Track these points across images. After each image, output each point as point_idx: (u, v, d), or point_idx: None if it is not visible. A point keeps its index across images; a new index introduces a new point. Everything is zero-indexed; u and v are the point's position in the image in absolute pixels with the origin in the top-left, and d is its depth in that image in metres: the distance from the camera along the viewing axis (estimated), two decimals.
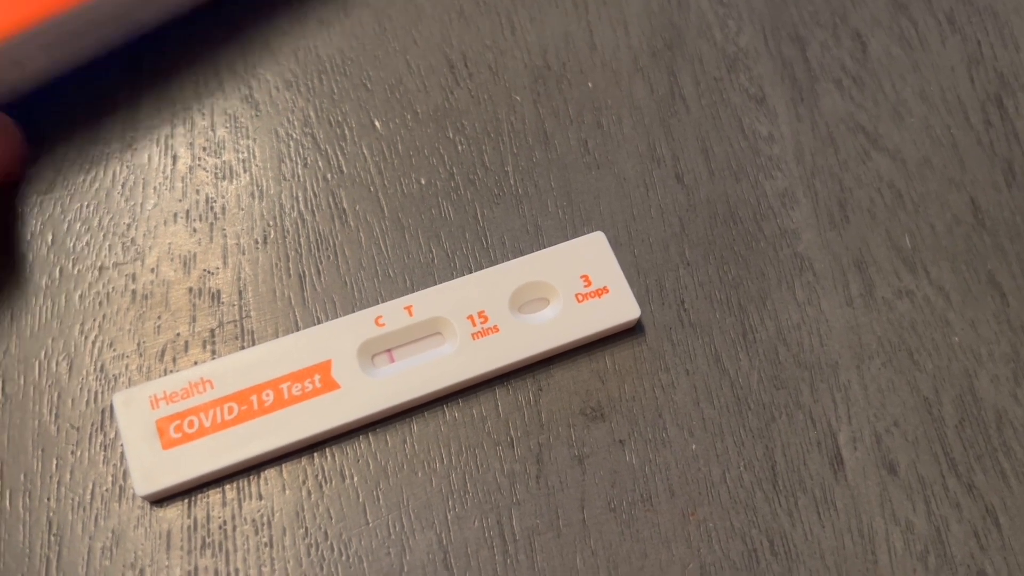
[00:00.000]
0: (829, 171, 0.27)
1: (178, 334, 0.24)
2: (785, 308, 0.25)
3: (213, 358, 0.24)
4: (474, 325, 0.24)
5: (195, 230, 0.25)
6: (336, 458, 0.23)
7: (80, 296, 0.24)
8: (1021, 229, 0.27)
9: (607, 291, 0.24)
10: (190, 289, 0.25)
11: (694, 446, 0.24)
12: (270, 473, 0.23)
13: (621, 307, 0.24)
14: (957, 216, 0.27)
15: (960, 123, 0.28)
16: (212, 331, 0.24)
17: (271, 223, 0.25)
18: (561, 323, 0.24)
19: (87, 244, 0.25)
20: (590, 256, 0.25)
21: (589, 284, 0.24)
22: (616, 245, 0.26)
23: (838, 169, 0.27)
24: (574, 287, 0.24)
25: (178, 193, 0.26)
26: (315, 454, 0.23)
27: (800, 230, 0.26)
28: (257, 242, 0.25)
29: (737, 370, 0.24)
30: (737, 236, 0.26)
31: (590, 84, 0.28)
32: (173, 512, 0.22)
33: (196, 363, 0.24)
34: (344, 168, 0.26)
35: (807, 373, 0.25)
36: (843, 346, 0.25)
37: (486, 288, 0.24)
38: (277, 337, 0.24)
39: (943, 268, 0.26)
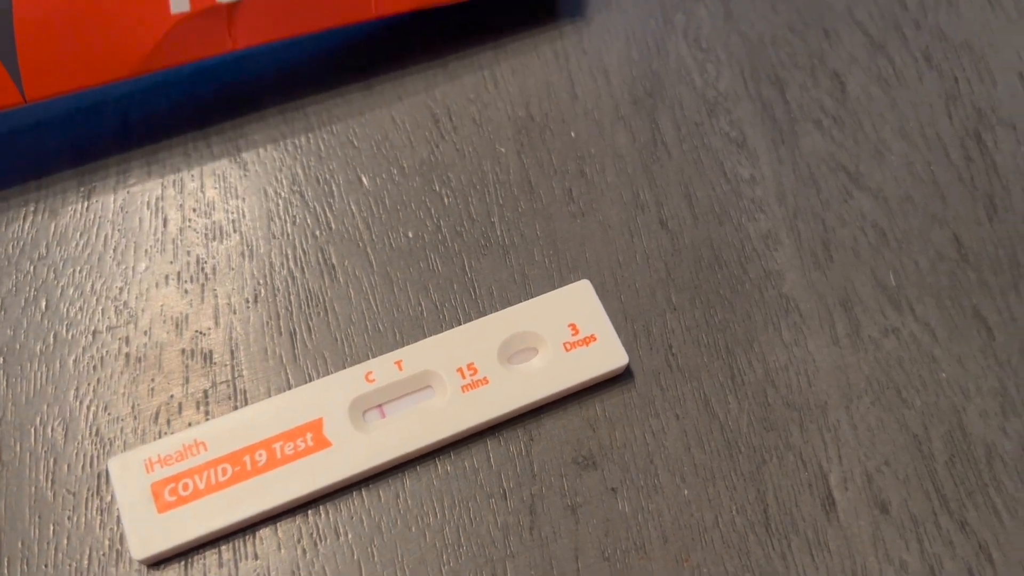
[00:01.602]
0: (812, 211, 0.27)
1: (172, 396, 0.24)
2: (772, 350, 0.25)
3: (207, 419, 0.24)
4: (464, 377, 0.24)
5: (187, 291, 0.26)
6: (330, 515, 0.23)
7: (74, 361, 0.25)
8: (1004, 263, 0.27)
9: (595, 339, 0.25)
10: (183, 350, 0.25)
11: (686, 491, 0.24)
12: (265, 532, 0.23)
13: (609, 355, 0.24)
14: (940, 252, 0.27)
15: (940, 159, 0.28)
16: (205, 392, 0.24)
17: (261, 281, 0.26)
18: (550, 372, 0.24)
19: (80, 309, 0.25)
20: (577, 304, 0.25)
21: (577, 332, 0.25)
22: (603, 292, 0.26)
23: (820, 209, 0.27)
24: (562, 336, 0.25)
25: (169, 255, 0.26)
26: (309, 512, 0.23)
27: (784, 271, 0.26)
28: (248, 301, 0.25)
29: (727, 413, 0.25)
30: (722, 279, 0.26)
31: (573, 133, 0.28)
32: (170, 575, 0.22)
33: (190, 424, 0.24)
34: (332, 224, 0.27)
35: (796, 414, 0.25)
36: (831, 386, 0.25)
37: (474, 340, 0.24)
38: (269, 396, 0.24)
39: (928, 305, 0.26)
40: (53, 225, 0.26)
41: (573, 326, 0.25)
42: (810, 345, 0.26)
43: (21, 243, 0.26)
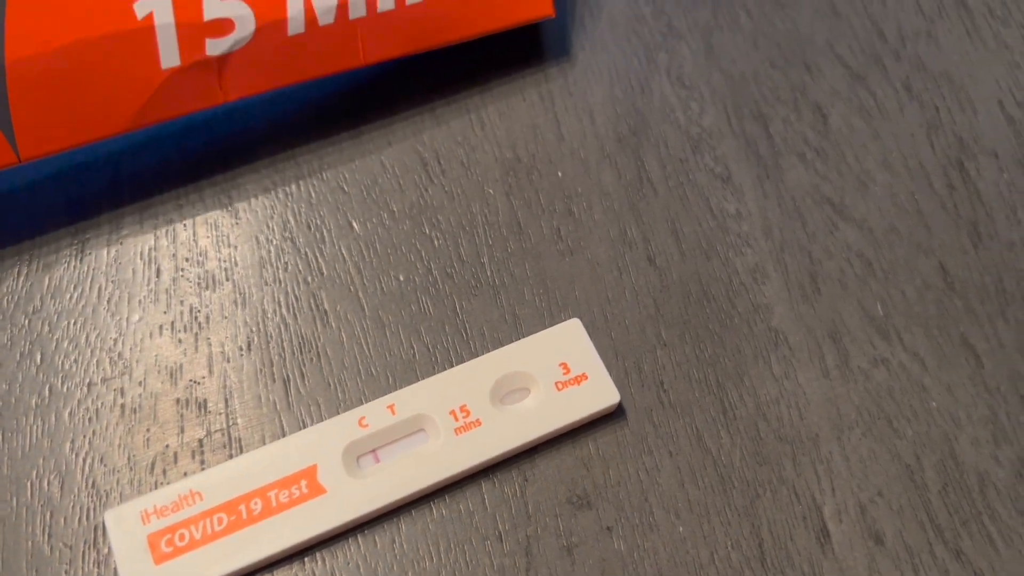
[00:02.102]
0: (798, 244, 0.28)
1: (167, 446, 0.24)
2: (763, 383, 0.26)
3: (202, 468, 0.24)
4: (456, 420, 0.24)
5: (180, 341, 0.26)
6: (327, 562, 0.23)
7: (70, 413, 0.25)
8: (991, 290, 0.27)
9: (586, 378, 0.25)
10: (177, 400, 0.25)
11: (681, 528, 0.24)
12: None
13: (600, 393, 0.25)
14: (927, 281, 0.27)
15: (924, 189, 0.29)
16: (200, 441, 0.24)
17: (254, 329, 0.26)
18: (542, 412, 0.24)
19: (75, 361, 0.25)
20: (567, 343, 0.25)
21: (568, 372, 0.25)
22: (593, 330, 0.26)
23: (807, 242, 0.28)
24: (553, 375, 0.25)
25: (163, 305, 0.26)
26: (306, 559, 0.23)
27: (773, 304, 0.27)
28: (241, 349, 0.26)
29: (719, 449, 0.25)
30: (711, 314, 0.27)
31: (560, 173, 0.28)
32: None
33: (185, 474, 0.24)
34: (324, 270, 0.27)
35: (788, 447, 0.25)
36: (822, 418, 0.25)
37: (467, 382, 0.25)
38: (264, 443, 0.24)
39: (916, 334, 0.26)
40: (47, 278, 0.26)
41: (564, 365, 0.25)
42: (800, 378, 0.26)
43: (15, 297, 0.26)
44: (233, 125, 0.29)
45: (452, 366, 0.26)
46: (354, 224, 0.28)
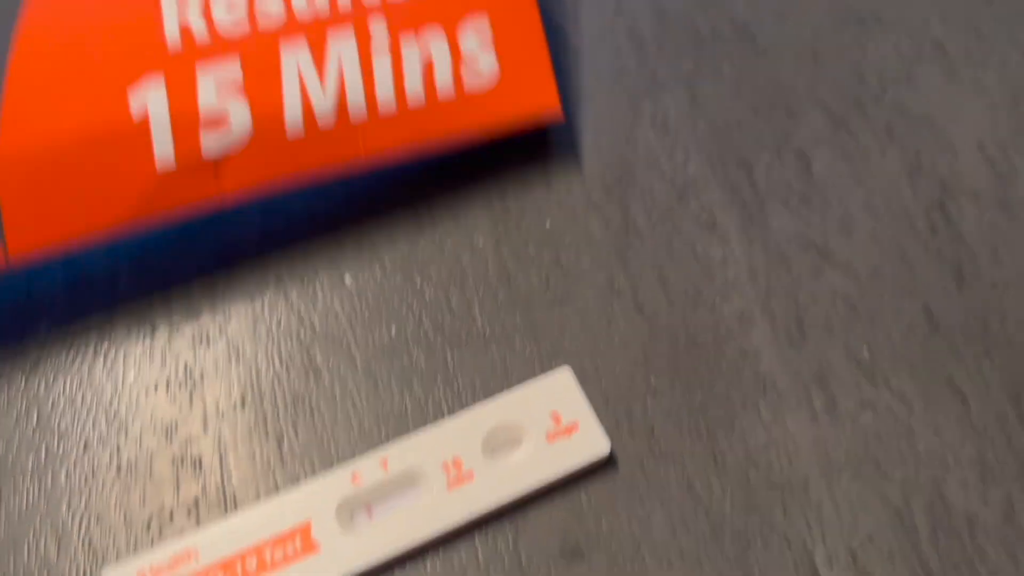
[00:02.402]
0: (784, 290, 0.28)
1: (163, 504, 0.25)
2: (752, 429, 0.26)
3: (198, 525, 0.24)
4: (449, 473, 0.24)
5: (175, 398, 0.26)
6: None
7: (66, 474, 0.25)
8: (975, 331, 0.27)
9: (577, 428, 0.25)
10: (173, 458, 0.25)
11: None
12: None
13: (591, 443, 0.25)
14: (912, 323, 0.28)
15: (907, 231, 0.29)
16: (196, 498, 0.25)
17: (248, 385, 0.26)
18: (534, 464, 0.25)
19: (71, 421, 0.26)
20: (558, 393, 0.26)
21: (559, 422, 0.25)
22: (583, 378, 0.27)
23: (792, 286, 0.28)
24: (544, 426, 0.25)
25: (157, 363, 0.26)
26: None
27: (760, 350, 0.27)
28: (236, 405, 0.26)
29: (710, 497, 0.25)
30: (700, 361, 0.27)
31: (548, 223, 0.29)
32: None
33: (181, 532, 0.24)
34: (316, 325, 0.27)
35: (779, 494, 0.25)
36: (811, 463, 0.25)
37: (458, 434, 0.25)
38: (259, 499, 0.25)
39: (903, 376, 0.27)
40: (42, 337, 0.27)
41: (555, 415, 0.25)
42: (789, 423, 0.26)
43: (13, 355, 0.26)
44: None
45: (444, 418, 0.26)
46: (346, 277, 0.28)
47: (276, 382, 0.26)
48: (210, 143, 0.25)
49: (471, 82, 0.26)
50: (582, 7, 0.33)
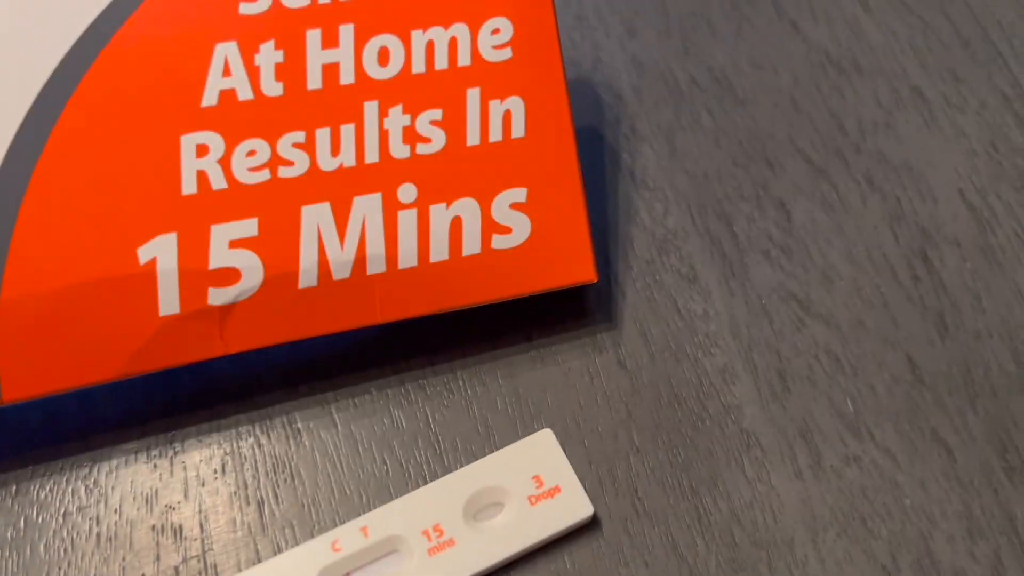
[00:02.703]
0: (766, 343, 0.28)
1: (143, 574, 0.24)
2: (736, 487, 0.26)
3: None
4: (430, 540, 0.24)
5: (156, 466, 0.26)
6: None
7: (45, 545, 0.25)
8: (959, 381, 0.27)
9: (559, 490, 0.25)
10: (153, 526, 0.25)
11: None
12: None
13: (574, 506, 0.25)
14: (895, 375, 0.27)
15: (888, 281, 0.29)
16: (176, 568, 0.24)
17: (228, 451, 0.26)
18: (516, 528, 0.24)
19: (51, 490, 0.25)
20: (540, 455, 0.25)
21: (541, 485, 0.25)
22: (566, 437, 0.26)
23: (774, 340, 0.28)
24: (526, 489, 0.25)
25: (137, 429, 0.26)
26: None
27: (743, 405, 0.27)
28: (216, 472, 0.26)
29: (695, 557, 0.25)
30: (683, 417, 0.27)
31: None
32: None
33: None
34: (297, 386, 0.27)
35: (764, 553, 0.25)
36: (796, 520, 0.25)
37: (440, 499, 0.25)
38: (239, 569, 0.24)
39: (887, 430, 0.27)
40: (22, 408, 0.27)
41: (537, 478, 0.25)
42: (773, 480, 0.26)
43: None
44: None
45: (426, 482, 0.26)
46: (327, 344, 0.28)
47: (256, 446, 0.26)
48: (216, 297, 0.24)
49: (500, 242, 0.25)
50: None
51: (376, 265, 0.25)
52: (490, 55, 0.25)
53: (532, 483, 0.25)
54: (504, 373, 0.27)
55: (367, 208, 0.24)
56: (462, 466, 0.26)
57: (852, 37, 0.33)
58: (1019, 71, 0.33)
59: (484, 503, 0.25)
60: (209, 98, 0.24)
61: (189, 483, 0.26)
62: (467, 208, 0.25)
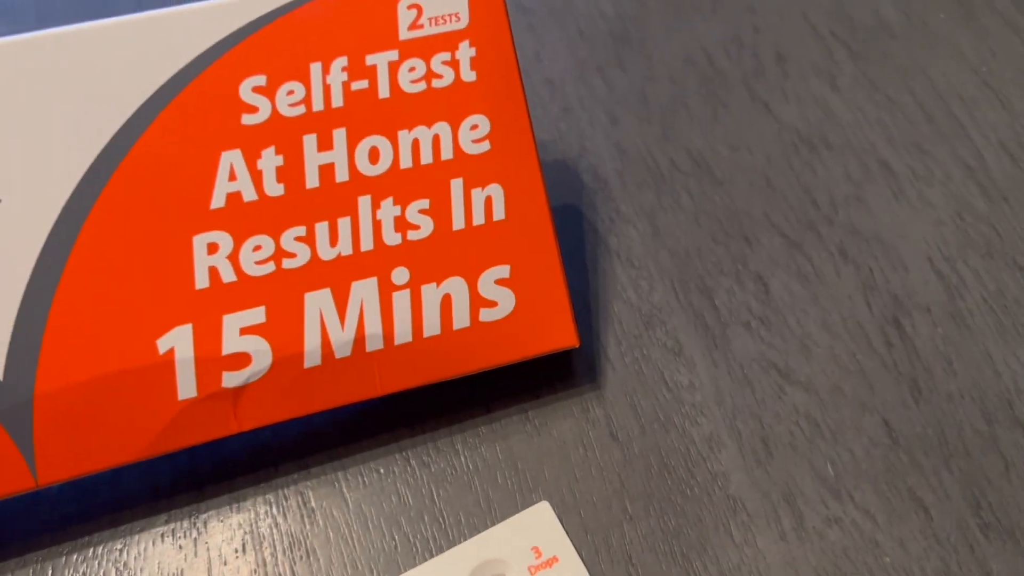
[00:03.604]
0: (749, 411, 0.30)
1: None
2: (724, 551, 0.27)
3: None
4: None
5: (181, 547, 0.28)
6: None
7: None
8: (934, 442, 0.29)
9: (557, 560, 0.27)
10: None
11: None
12: None
13: (571, 574, 0.26)
14: (873, 438, 0.29)
15: (864, 348, 0.31)
16: None
17: (248, 531, 0.28)
18: None
19: (83, 573, 0.27)
20: (538, 526, 0.27)
21: (540, 555, 0.27)
22: (563, 508, 0.28)
23: (757, 408, 0.30)
24: (526, 560, 0.27)
25: (164, 514, 0.28)
26: None
27: (729, 472, 0.29)
28: (237, 551, 0.28)
29: None
30: (673, 485, 0.28)
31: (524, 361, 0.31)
32: None
33: None
34: (310, 467, 0.29)
35: None
36: None
37: (446, 572, 0.26)
38: None
39: (866, 491, 0.28)
40: (57, 493, 0.29)
41: (536, 549, 0.27)
42: (759, 542, 0.27)
43: (23, 514, 0.28)
44: None
45: (432, 555, 0.27)
46: (334, 420, 0.30)
47: (274, 526, 0.28)
48: (230, 380, 0.26)
49: (487, 315, 0.28)
50: (547, 150, 0.35)
51: (375, 343, 0.27)
52: (470, 148, 0.28)
53: (531, 554, 0.27)
54: (503, 447, 0.29)
55: (364, 292, 0.27)
56: (466, 539, 0.27)
57: (822, 116, 0.35)
58: (981, 142, 0.35)
59: (487, 574, 0.26)
60: (217, 201, 0.26)
61: (212, 563, 0.27)
62: (456, 286, 0.27)
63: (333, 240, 0.27)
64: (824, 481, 0.28)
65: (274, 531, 0.28)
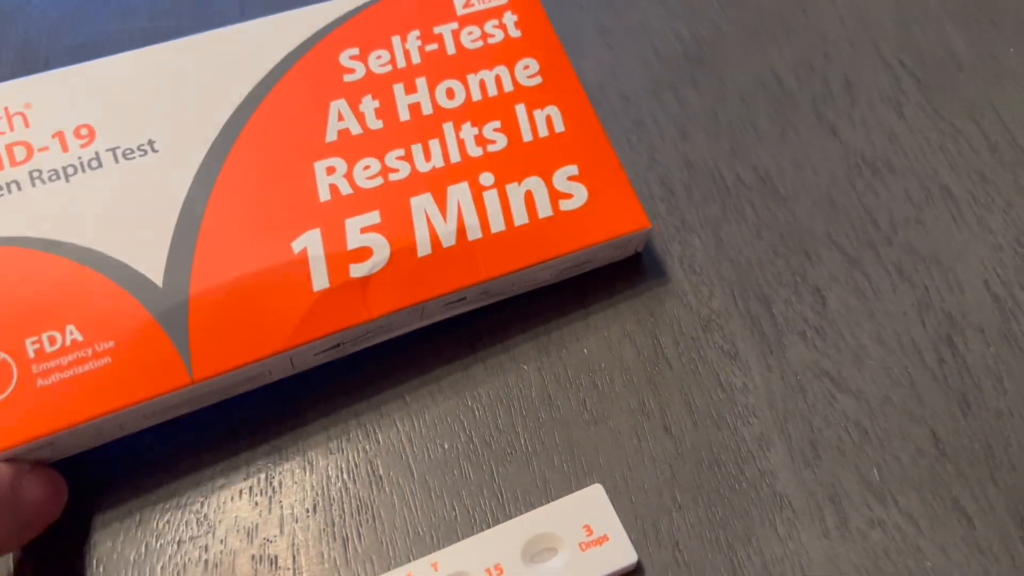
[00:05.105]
0: (799, 415, 0.31)
1: None
2: (768, 544, 0.28)
3: None
4: None
5: (256, 504, 0.30)
6: None
7: (162, 567, 0.29)
8: (980, 455, 0.30)
9: (607, 539, 0.28)
10: (252, 556, 0.29)
11: None
12: None
13: (620, 553, 0.28)
14: (920, 448, 0.30)
15: (916, 363, 0.32)
16: None
17: (319, 493, 0.30)
18: (569, 571, 0.27)
19: (168, 521, 0.30)
20: (590, 507, 0.29)
21: (591, 533, 0.28)
22: (614, 493, 0.30)
23: (807, 412, 0.31)
24: (578, 537, 0.28)
25: (242, 473, 0.30)
26: None
27: (777, 470, 0.30)
28: (308, 511, 0.30)
29: None
30: (721, 479, 0.30)
31: (585, 350, 0.32)
32: None
33: None
34: (380, 439, 0.31)
35: None
36: None
37: (501, 542, 0.28)
38: None
39: (911, 497, 0.29)
40: (144, 447, 0.31)
41: (588, 527, 0.28)
42: (803, 538, 0.28)
43: (122, 467, 0.31)
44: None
45: (489, 526, 0.29)
46: (407, 397, 0.32)
47: (344, 491, 0.30)
48: (356, 271, 0.30)
49: (566, 205, 0.32)
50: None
51: (474, 233, 0.31)
52: (526, 82, 0.34)
53: (583, 531, 0.28)
54: (561, 435, 0.31)
55: (459, 193, 0.31)
56: (521, 514, 0.29)
57: (886, 141, 0.37)
58: None
59: (540, 547, 0.28)
60: (331, 136, 0.32)
61: (285, 520, 0.30)
62: (535, 184, 0.32)
63: (427, 156, 0.32)
64: (870, 485, 0.29)
65: (344, 495, 0.30)
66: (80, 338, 0.28)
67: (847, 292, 0.33)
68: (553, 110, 0.33)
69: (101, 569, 0.29)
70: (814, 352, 0.32)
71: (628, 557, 0.28)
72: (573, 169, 0.32)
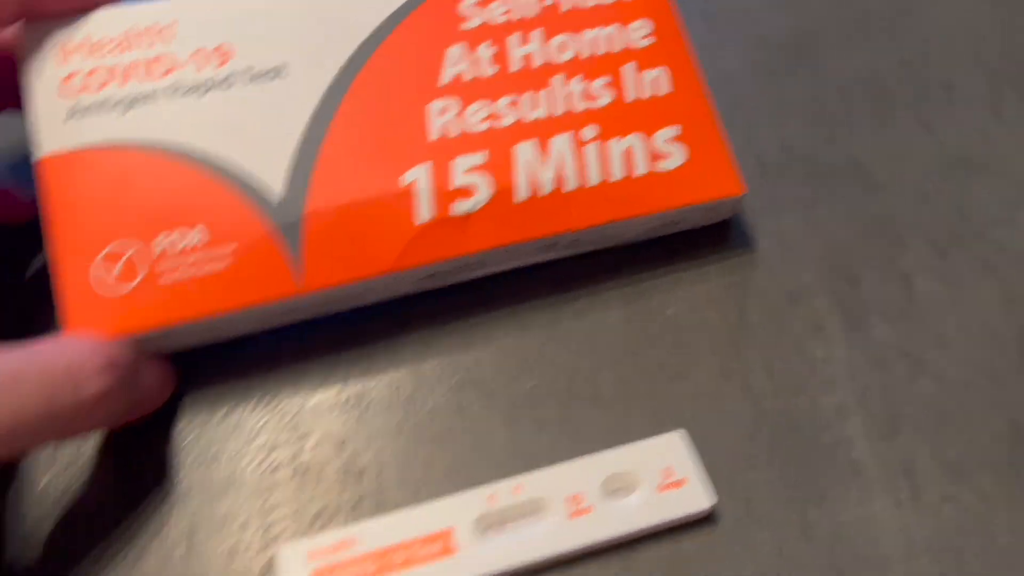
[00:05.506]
0: (879, 390, 0.31)
1: (328, 503, 0.29)
2: (841, 507, 0.29)
3: (356, 524, 0.29)
4: (571, 506, 0.28)
5: (347, 418, 0.31)
6: None
7: (252, 468, 0.30)
8: None
9: (685, 482, 0.29)
10: (339, 468, 0.30)
11: None
12: None
13: (697, 497, 0.29)
14: (997, 433, 0.30)
15: (998, 352, 0.32)
16: (357, 501, 0.29)
17: (407, 413, 0.31)
18: (645, 509, 0.28)
19: (264, 424, 0.31)
20: (671, 451, 0.30)
21: (670, 475, 0.29)
22: (694, 445, 0.30)
23: (887, 389, 0.31)
24: (657, 477, 0.29)
25: (335, 391, 0.32)
26: None
27: (853, 439, 0.30)
28: (395, 430, 0.31)
29: (797, 563, 0.28)
30: (798, 443, 0.30)
31: (671, 308, 0.33)
32: None
33: (344, 526, 0.29)
34: (468, 368, 0.32)
35: (861, 566, 0.28)
36: (894, 544, 0.28)
37: (583, 474, 0.29)
38: (409, 507, 0.29)
39: (986, 477, 0.30)
40: (247, 363, 0.33)
41: (668, 470, 0.29)
42: (875, 506, 0.29)
43: (226, 380, 0.32)
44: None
45: (571, 460, 0.30)
46: (495, 332, 0.33)
47: (431, 415, 0.31)
48: (458, 207, 0.31)
49: (663, 165, 0.33)
50: None
51: (571, 183, 0.32)
52: (638, 43, 0.35)
53: (662, 474, 0.29)
54: (644, 385, 0.32)
55: (561, 144, 0.33)
56: (603, 452, 0.30)
57: (982, 142, 0.37)
58: None
59: (620, 484, 0.29)
60: (445, 79, 0.33)
61: (373, 437, 0.31)
62: (636, 141, 0.33)
63: (534, 106, 0.33)
64: (945, 463, 0.30)
65: (431, 419, 0.31)
66: (205, 240, 0.29)
67: (933, 280, 0.34)
68: (662, 71, 0.34)
69: (190, 459, 0.30)
70: (898, 334, 0.33)
71: (704, 501, 0.28)
72: (676, 130, 0.33)
